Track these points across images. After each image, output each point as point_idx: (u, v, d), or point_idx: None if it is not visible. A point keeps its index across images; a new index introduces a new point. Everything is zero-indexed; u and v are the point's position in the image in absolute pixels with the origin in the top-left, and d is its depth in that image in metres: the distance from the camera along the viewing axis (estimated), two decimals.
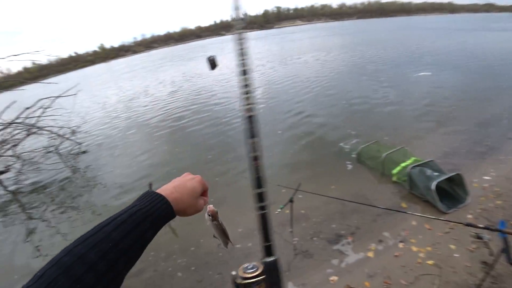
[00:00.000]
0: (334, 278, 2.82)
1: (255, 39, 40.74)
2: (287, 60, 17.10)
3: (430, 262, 2.77)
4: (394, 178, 4.17)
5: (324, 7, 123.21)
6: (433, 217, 2.89)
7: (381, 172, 4.36)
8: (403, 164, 4.20)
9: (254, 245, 3.37)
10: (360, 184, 4.24)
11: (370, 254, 3.05)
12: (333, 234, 3.35)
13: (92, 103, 16.94)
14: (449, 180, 3.65)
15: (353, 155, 4.94)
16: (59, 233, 4.78)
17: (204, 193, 0.70)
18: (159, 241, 3.81)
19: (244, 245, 3.41)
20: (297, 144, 5.83)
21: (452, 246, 2.89)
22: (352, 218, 3.59)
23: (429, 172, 3.79)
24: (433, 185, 3.47)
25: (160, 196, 0.57)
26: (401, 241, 3.14)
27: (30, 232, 5.05)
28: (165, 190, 0.60)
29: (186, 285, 3.07)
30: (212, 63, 1.05)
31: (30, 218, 5.58)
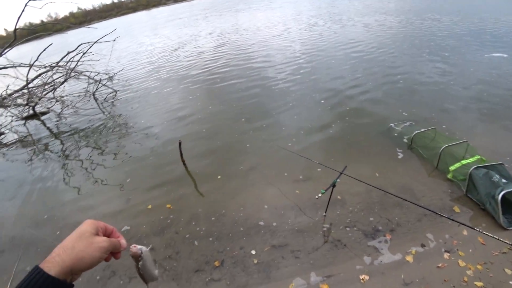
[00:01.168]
0: (365, 277, 2.53)
1: None
2: (345, 21, 15.27)
3: (478, 283, 2.35)
4: (450, 176, 3.58)
5: None
6: (490, 234, 2.40)
7: (435, 165, 3.76)
8: (464, 162, 3.57)
9: (279, 224, 3.15)
10: (408, 174, 3.71)
11: (409, 258, 2.68)
12: (370, 227, 2.99)
13: (131, 51, 17.04)
14: None
15: (405, 140, 4.32)
16: (89, 173, 5.02)
17: (109, 233, 0.66)
18: (184, 204, 3.76)
19: (268, 222, 3.21)
20: (341, 118, 5.23)
21: (509, 271, 2.42)
22: (394, 212, 3.17)
23: (496, 177, 3.15)
24: (499, 194, 2.89)
25: (33, 270, 0.53)
26: (446, 251, 2.72)
27: (65, 170, 5.35)
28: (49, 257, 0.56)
29: (206, 252, 2.98)
30: None
31: (68, 157, 5.88)
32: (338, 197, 3.32)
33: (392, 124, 4.69)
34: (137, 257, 0.69)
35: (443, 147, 3.67)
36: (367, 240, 2.86)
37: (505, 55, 8.33)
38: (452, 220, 2.34)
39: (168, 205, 3.73)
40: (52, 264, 0.53)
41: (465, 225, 2.21)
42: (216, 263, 2.82)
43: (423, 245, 2.79)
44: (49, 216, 4.18)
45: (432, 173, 3.75)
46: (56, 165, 5.65)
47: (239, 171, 4.19)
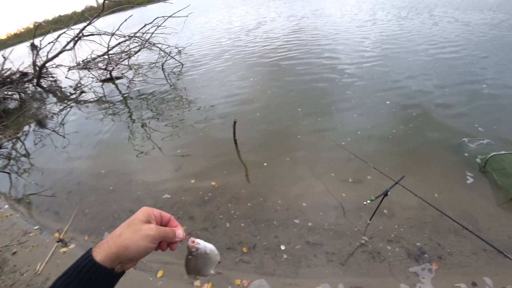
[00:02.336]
0: None
1: None
2: (431, 14, 13.47)
3: None
4: None
5: None
6: None
7: (511, 196, 3.22)
8: None
9: (318, 222, 3.08)
10: (474, 200, 3.24)
11: None
12: (416, 249, 2.72)
13: (203, 27, 17.78)
14: None
15: (478, 160, 3.75)
16: (148, 138, 5.57)
17: (165, 222, 0.63)
18: (229, 183, 3.91)
19: (307, 217, 3.16)
20: (406, 123, 4.71)
21: None
22: (448, 238, 2.83)
23: None
24: None
25: (85, 253, 0.55)
26: None
27: (128, 131, 6.00)
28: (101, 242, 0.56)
29: (240, 233, 3.08)
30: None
31: (132, 120, 6.56)
32: (386, 209, 3.07)
33: (465, 139, 4.08)
34: (189, 251, 0.66)
35: None
36: (410, 262, 2.62)
37: None
38: None
39: (213, 183, 3.91)
40: (100, 250, 0.53)
41: None
42: (246, 248, 2.90)
43: (474, 284, 2.46)
44: (107, 171, 4.78)
45: (504, 204, 3.22)
46: (122, 125, 6.36)
47: (288, 160, 4.16)
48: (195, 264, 0.66)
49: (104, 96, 8.66)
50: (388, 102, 5.41)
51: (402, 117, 4.90)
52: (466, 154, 3.89)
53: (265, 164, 4.14)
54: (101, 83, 9.73)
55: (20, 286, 2.83)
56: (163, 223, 0.63)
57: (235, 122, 4.33)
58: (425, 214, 3.04)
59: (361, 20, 13.19)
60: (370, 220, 2.90)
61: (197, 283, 2.55)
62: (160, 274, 2.75)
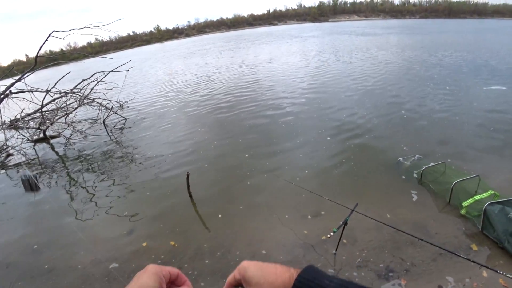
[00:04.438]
0: None
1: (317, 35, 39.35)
2: (349, 57, 15.85)
3: None
4: (463, 212, 3.48)
5: (384, 2, 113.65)
6: None
7: (448, 200, 3.67)
8: (477, 197, 3.49)
9: (287, 261, 3.01)
10: (420, 211, 3.60)
11: None
12: (383, 268, 2.84)
13: (143, 81, 17.72)
14: None
15: (414, 175, 4.26)
16: (93, 200, 4.97)
17: (174, 279, 0.58)
18: (189, 238, 3.66)
19: (276, 259, 3.07)
20: (348, 154, 5.21)
21: None
22: (408, 251, 3.03)
23: None
24: None
25: None
26: None
27: (68, 195, 5.33)
28: None
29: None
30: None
31: (72, 183, 5.87)
32: (346, 238, 3.18)
33: (400, 159, 4.66)
34: None
35: (454, 182, 3.60)
36: (381, 282, 2.70)
37: (504, 88, 8.50)
38: (473, 262, 2.23)
39: (172, 242, 3.61)
40: None
41: (487, 267, 2.10)
42: None
43: (440, 287, 2.63)
44: (43, 246, 4.06)
45: (444, 209, 3.65)
46: (60, 190, 5.63)
47: (246, 207, 4.11)
48: None
49: (37, 158, 7.70)
50: (328, 138, 5.96)
51: (343, 150, 5.42)
52: (404, 169, 4.43)
53: (219, 215, 4.01)
54: (33, 144, 8.71)
55: None
56: (171, 281, 0.58)
57: (188, 175, 4.20)
58: (383, 233, 3.24)
59: (297, 66, 14.88)
60: (335, 250, 2.96)
61: None
62: None
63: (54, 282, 3.36)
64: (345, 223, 2.31)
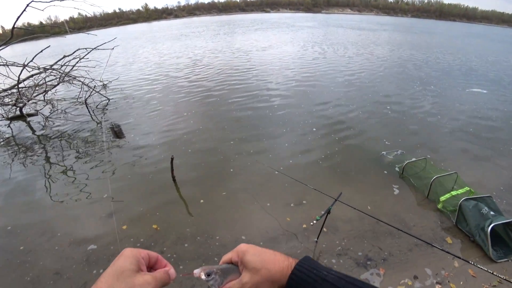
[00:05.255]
0: None
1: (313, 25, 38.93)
2: (341, 50, 15.87)
3: None
4: (440, 206, 3.63)
5: None
6: (483, 268, 2.40)
7: (426, 195, 3.81)
8: (453, 193, 3.65)
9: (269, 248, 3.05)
10: (399, 203, 3.73)
11: None
12: (363, 256, 2.93)
13: (129, 61, 17.05)
14: (507, 224, 3.09)
15: (396, 168, 4.39)
16: (71, 182, 4.81)
17: (153, 263, 0.55)
18: (172, 223, 3.62)
19: (258, 246, 3.10)
20: (332, 146, 5.29)
21: None
22: (386, 241, 3.15)
23: (485, 209, 3.23)
24: (489, 227, 2.96)
25: None
26: (438, 283, 2.71)
27: (46, 177, 5.12)
28: None
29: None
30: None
31: (50, 163, 5.64)
32: (332, 220, 3.27)
33: (384, 152, 4.78)
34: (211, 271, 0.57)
35: (434, 178, 3.74)
36: (359, 270, 2.80)
37: (485, 91, 8.85)
38: (447, 252, 2.34)
39: (154, 226, 3.57)
40: None
41: (459, 257, 2.21)
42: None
43: (415, 277, 2.76)
44: (18, 227, 3.90)
45: (422, 202, 3.80)
46: (37, 170, 5.39)
47: (228, 193, 4.11)
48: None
49: (13, 136, 7.30)
50: (314, 129, 6.00)
51: (328, 142, 5.49)
52: (387, 163, 4.55)
53: (202, 201, 3.99)
54: (8, 122, 8.25)
55: None
56: (151, 265, 0.54)
57: (172, 158, 4.12)
58: (364, 223, 3.34)
59: (290, 55, 14.75)
60: (317, 238, 3.03)
61: None
62: None
63: (31, 264, 3.25)
64: (328, 212, 2.35)
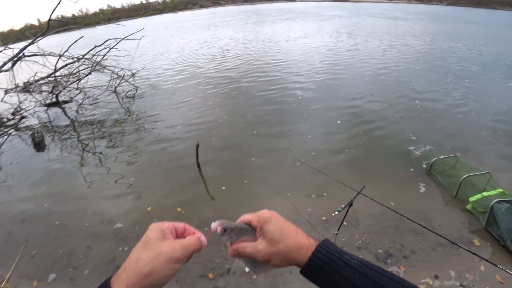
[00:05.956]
0: None
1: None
2: (372, 40, 15.24)
3: None
4: (469, 206, 3.45)
5: None
6: None
7: (454, 194, 3.64)
8: (485, 194, 3.45)
9: None
10: (425, 201, 3.59)
11: None
12: (383, 252, 2.88)
13: (156, 50, 17.49)
14: None
15: (423, 165, 4.20)
16: (102, 166, 5.12)
17: (181, 232, 0.55)
18: (195, 208, 3.74)
19: None
20: (358, 138, 5.15)
21: None
22: (409, 238, 3.06)
23: None
24: None
25: (103, 283, 0.45)
26: (461, 285, 2.60)
27: (79, 160, 5.48)
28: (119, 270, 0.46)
29: (213, 259, 2.94)
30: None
31: (83, 147, 6.02)
32: (353, 213, 3.23)
33: (411, 148, 4.59)
34: (229, 226, 0.57)
35: (464, 177, 3.55)
36: (379, 266, 2.75)
37: None
38: (474, 254, 2.24)
39: (178, 209, 3.72)
40: (119, 281, 0.44)
41: (487, 260, 2.10)
42: (220, 274, 2.77)
43: (436, 277, 2.67)
44: (55, 205, 4.24)
45: (450, 202, 3.63)
46: (71, 154, 5.78)
47: (250, 181, 4.16)
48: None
49: (50, 121, 7.84)
50: (339, 122, 5.86)
51: (353, 134, 5.35)
52: (414, 158, 4.37)
53: (223, 188, 4.08)
54: (45, 108, 8.84)
55: None
56: (178, 235, 0.54)
57: (197, 146, 4.24)
58: (386, 219, 3.26)
59: (320, 46, 14.34)
60: (338, 230, 3.00)
61: None
62: None
63: (65, 238, 3.54)
64: (350, 204, 2.33)
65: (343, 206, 2.36)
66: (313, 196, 3.71)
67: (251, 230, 0.59)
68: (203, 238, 0.54)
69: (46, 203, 4.29)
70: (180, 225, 0.55)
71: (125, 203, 4.01)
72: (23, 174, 5.28)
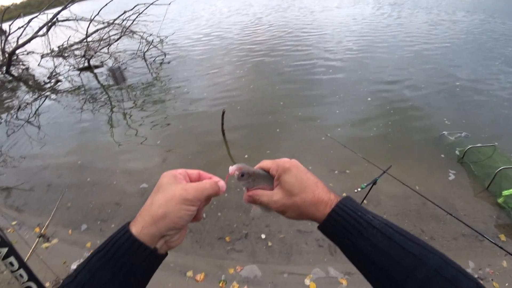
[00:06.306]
0: None
1: None
2: (414, 13, 13.82)
3: None
4: (501, 200, 3.24)
5: None
6: None
7: (486, 186, 3.43)
8: None
9: None
10: (453, 189, 3.42)
11: None
12: None
13: (185, 17, 17.27)
14: None
15: (456, 152, 3.95)
16: (131, 128, 5.38)
17: (195, 178, 0.54)
18: (217, 173, 3.85)
19: None
20: (388, 117, 4.88)
21: None
22: (430, 224, 2.98)
23: None
24: None
25: (122, 227, 0.45)
26: (480, 278, 2.51)
27: (109, 122, 5.78)
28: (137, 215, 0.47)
29: (232, 223, 3.06)
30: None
31: (113, 110, 6.29)
32: (375, 193, 3.15)
33: (445, 132, 4.29)
34: (247, 171, 0.55)
35: (500, 168, 3.31)
36: None
37: None
38: (500, 247, 2.14)
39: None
40: (135, 224, 0.44)
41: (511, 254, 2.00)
42: (238, 238, 2.89)
43: None
44: (88, 163, 4.54)
45: (480, 193, 3.42)
46: (102, 116, 6.08)
47: (272, 152, 4.17)
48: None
49: (82, 85, 8.21)
50: (369, 99, 5.56)
51: (382, 113, 5.07)
52: (447, 144, 4.11)
53: (246, 156, 4.14)
54: (78, 72, 9.22)
55: (0, 285, 2.65)
56: (193, 180, 0.53)
57: (223, 112, 4.27)
58: (409, 202, 3.17)
59: (359, 18, 13.35)
60: None
61: (189, 273, 2.51)
62: None
63: (96, 193, 3.83)
64: (375, 183, 2.27)
65: (366, 184, 2.31)
66: (335, 172, 3.66)
67: (269, 178, 0.56)
68: (221, 183, 0.52)
69: (79, 160, 4.61)
70: (194, 171, 0.54)
71: (150, 164, 4.21)
72: (59, 133, 5.68)
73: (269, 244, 2.77)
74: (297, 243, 2.73)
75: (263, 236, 2.87)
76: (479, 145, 3.81)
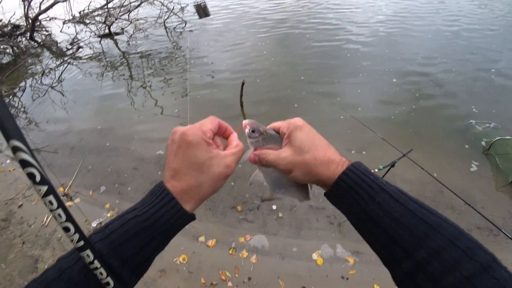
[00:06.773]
0: None
1: None
2: None
3: None
4: None
5: None
6: None
7: (510, 180, 3.28)
8: None
9: (320, 188, 3.11)
10: (473, 180, 3.30)
11: None
12: None
13: None
14: None
15: (483, 142, 3.76)
16: (151, 97, 5.44)
17: (222, 132, 0.53)
18: None
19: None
20: (413, 101, 4.68)
21: None
22: (444, 213, 2.62)
23: None
24: None
25: (165, 198, 0.44)
26: None
27: (129, 90, 5.85)
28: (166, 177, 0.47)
29: (245, 194, 3.12)
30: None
31: (132, 78, 6.35)
32: (391, 177, 3.08)
33: (472, 121, 4.07)
34: (257, 127, 0.54)
35: None
36: None
37: None
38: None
39: None
40: (183, 201, 0.45)
41: None
42: (250, 208, 2.95)
43: None
44: (108, 129, 4.67)
45: (503, 188, 3.28)
46: (122, 83, 6.15)
47: None
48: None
49: (103, 52, 8.26)
50: (394, 80, 5.30)
51: (406, 96, 4.84)
52: (473, 134, 3.92)
53: None
54: (99, 39, 9.25)
55: (29, 237, 2.87)
56: (219, 134, 0.53)
57: (243, 83, 4.20)
58: (425, 189, 3.10)
59: None
60: None
61: (201, 238, 2.62)
62: None
63: (114, 158, 3.97)
64: (393, 165, 2.22)
65: (383, 166, 2.26)
66: (353, 151, 3.61)
67: (279, 140, 0.54)
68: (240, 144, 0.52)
69: (99, 125, 4.75)
70: (222, 125, 0.52)
71: (168, 132, 4.27)
72: (81, 99, 5.83)
73: (280, 215, 2.82)
74: (308, 218, 2.77)
75: (274, 207, 2.93)
76: (508, 137, 3.61)
